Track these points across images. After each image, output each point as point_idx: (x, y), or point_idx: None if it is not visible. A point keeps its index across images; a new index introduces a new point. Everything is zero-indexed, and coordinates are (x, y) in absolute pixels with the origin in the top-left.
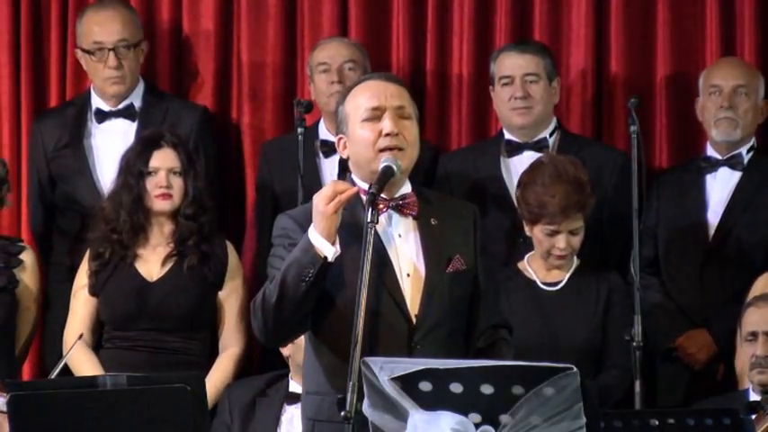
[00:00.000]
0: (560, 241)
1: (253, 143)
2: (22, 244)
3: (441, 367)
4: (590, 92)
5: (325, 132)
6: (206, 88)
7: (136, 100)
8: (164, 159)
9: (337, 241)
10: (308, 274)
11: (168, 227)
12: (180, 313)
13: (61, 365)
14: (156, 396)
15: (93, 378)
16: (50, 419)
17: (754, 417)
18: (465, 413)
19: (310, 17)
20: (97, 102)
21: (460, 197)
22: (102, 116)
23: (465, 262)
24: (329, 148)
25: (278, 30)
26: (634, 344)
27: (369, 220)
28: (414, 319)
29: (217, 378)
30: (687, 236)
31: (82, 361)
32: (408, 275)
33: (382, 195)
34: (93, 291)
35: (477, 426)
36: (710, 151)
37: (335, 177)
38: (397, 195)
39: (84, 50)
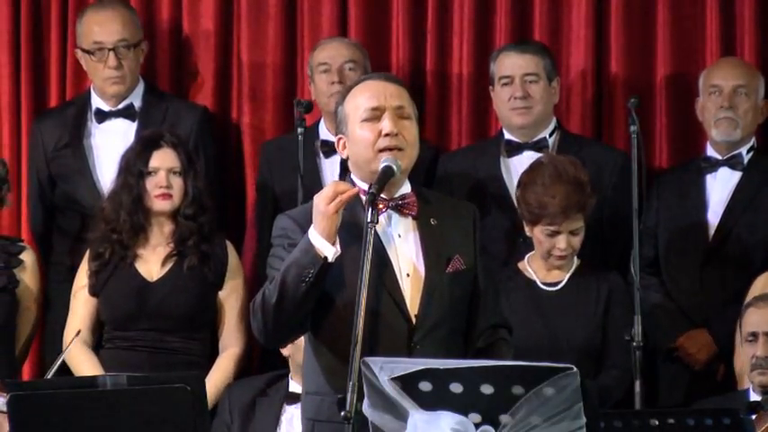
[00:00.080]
0: (561, 242)
1: (253, 143)
2: (22, 244)
3: (441, 367)
4: (590, 92)
5: (325, 132)
6: (206, 88)
7: (136, 100)
8: (163, 159)
9: (337, 242)
10: (308, 275)
11: (168, 227)
12: (180, 313)
13: (59, 362)
14: (156, 396)
15: (93, 378)
16: (50, 419)
17: (754, 417)
18: (465, 413)
19: (310, 17)
20: (97, 102)
21: (460, 197)
22: (102, 116)
23: (465, 262)
24: (329, 149)
25: (278, 30)
26: (634, 344)
27: (369, 219)
28: (413, 320)
29: (217, 378)
30: (687, 236)
31: (82, 361)
32: (408, 275)
33: (382, 195)
34: (94, 291)
35: (477, 426)
36: (710, 151)
37: (336, 177)
38: (396, 195)
39: (84, 50)
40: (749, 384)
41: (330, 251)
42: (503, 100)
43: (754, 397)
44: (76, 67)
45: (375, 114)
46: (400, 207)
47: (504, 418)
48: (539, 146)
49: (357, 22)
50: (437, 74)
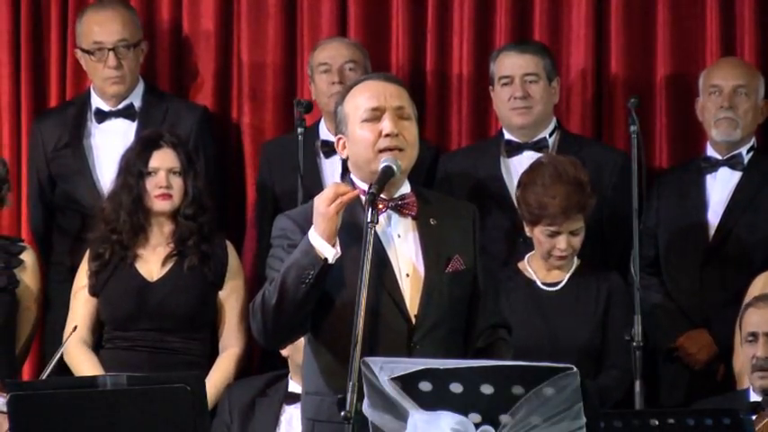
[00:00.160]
0: (561, 242)
1: (253, 143)
2: (22, 244)
3: (441, 367)
4: (590, 92)
5: (325, 132)
6: (206, 88)
7: (136, 100)
8: (163, 159)
9: (337, 243)
10: (308, 276)
11: (168, 227)
12: (180, 313)
13: (57, 357)
14: (156, 396)
15: (93, 378)
16: (50, 419)
17: (754, 417)
18: (465, 413)
19: (310, 17)
20: (97, 102)
21: (461, 197)
22: (101, 116)
23: (464, 262)
24: (330, 149)
25: (278, 30)
26: (634, 344)
27: (369, 219)
28: (413, 320)
29: (217, 378)
30: (687, 236)
31: (82, 361)
32: (408, 276)
33: (381, 195)
34: (94, 291)
35: (477, 426)
36: (710, 151)
37: (337, 177)
38: (396, 195)
39: (83, 50)
40: (749, 384)
41: (330, 252)
42: (503, 100)
43: (754, 397)
44: (76, 67)
45: (375, 115)
46: (400, 207)
47: (504, 418)
48: (539, 146)
49: (357, 21)
50: (437, 74)
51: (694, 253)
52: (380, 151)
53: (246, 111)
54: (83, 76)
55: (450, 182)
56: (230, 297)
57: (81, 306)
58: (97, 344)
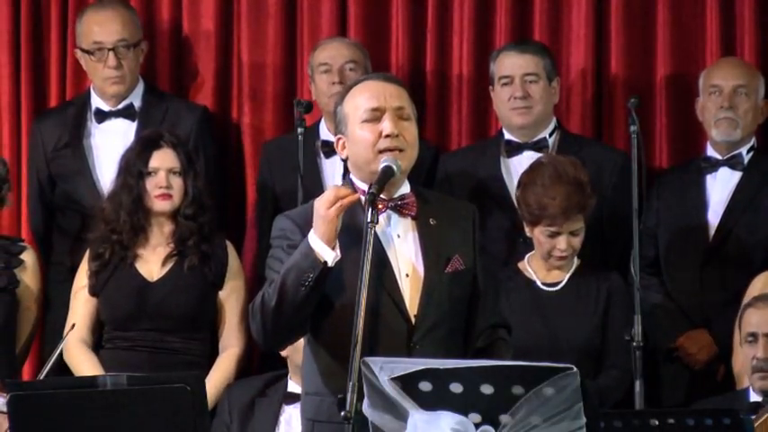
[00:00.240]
0: (561, 242)
1: (253, 143)
2: (23, 244)
3: (441, 367)
4: (590, 92)
5: (326, 133)
6: (206, 88)
7: (136, 100)
8: (163, 159)
9: (337, 246)
10: (307, 279)
11: (168, 227)
12: (180, 313)
13: (56, 355)
14: (156, 396)
15: (93, 378)
16: (50, 419)
17: (754, 417)
18: (465, 413)
19: (310, 17)
20: (97, 102)
21: (461, 197)
22: (101, 116)
23: (464, 262)
24: (330, 149)
25: (278, 30)
26: (634, 344)
27: (369, 219)
28: (413, 320)
29: (217, 378)
30: (687, 236)
31: (82, 361)
32: (407, 276)
33: (381, 195)
34: (94, 291)
35: (477, 426)
36: (710, 151)
37: (338, 177)
38: (395, 196)
39: (83, 50)
40: (749, 384)
41: (330, 256)
42: (503, 100)
43: (754, 397)
44: (76, 67)
45: (375, 115)
46: (400, 207)
47: (504, 418)
48: (539, 146)
49: (357, 21)
50: (437, 74)
51: (694, 253)
52: (380, 152)
53: (246, 111)
54: (83, 76)
55: (451, 182)
56: (230, 297)
57: (81, 306)
58: (97, 344)
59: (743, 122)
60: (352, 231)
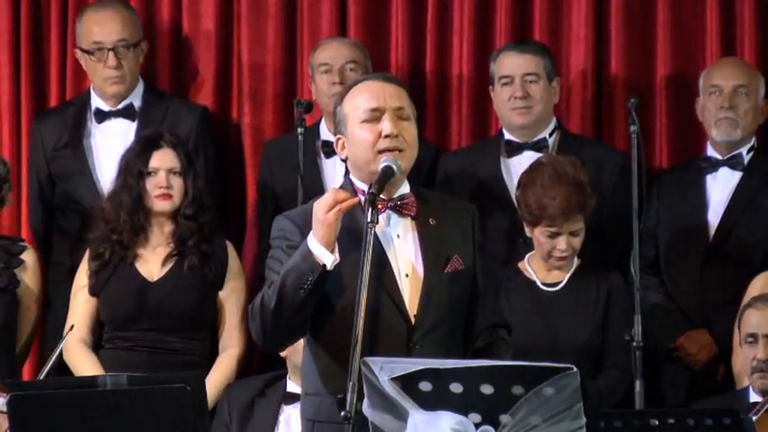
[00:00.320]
0: (561, 243)
1: (253, 143)
2: (23, 244)
3: (441, 367)
4: (590, 92)
5: (326, 133)
6: (206, 88)
7: (135, 100)
8: (163, 159)
9: (336, 249)
10: (306, 281)
11: (168, 227)
12: (180, 313)
13: (55, 355)
14: (156, 396)
15: (93, 378)
16: (50, 419)
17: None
18: (465, 413)
19: (310, 17)
20: (97, 102)
21: (461, 197)
22: (101, 116)
23: (463, 262)
24: (330, 149)
25: (278, 30)
26: (634, 344)
27: (368, 219)
28: (412, 320)
29: (217, 378)
30: (687, 236)
31: (82, 361)
32: (407, 276)
33: (381, 196)
34: (94, 291)
35: (477, 426)
36: (711, 151)
37: (338, 177)
38: (395, 196)
39: (83, 50)
40: (749, 384)
41: (329, 259)
42: (503, 100)
43: (754, 397)
44: (76, 67)
45: (375, 115)
46: (399, 207)
47: (504, 418)
48: (539, 146)
49: (357, 21)
50: (437, 74)
51: (694, 253)
52: (380, 152)
53: (246, 111)
54: (83, 76)
55: (451, 182)
56: (230, 297)
57: (81, 306)
58: (97, 344)
59: (743, 122)
60: (351, 232)
